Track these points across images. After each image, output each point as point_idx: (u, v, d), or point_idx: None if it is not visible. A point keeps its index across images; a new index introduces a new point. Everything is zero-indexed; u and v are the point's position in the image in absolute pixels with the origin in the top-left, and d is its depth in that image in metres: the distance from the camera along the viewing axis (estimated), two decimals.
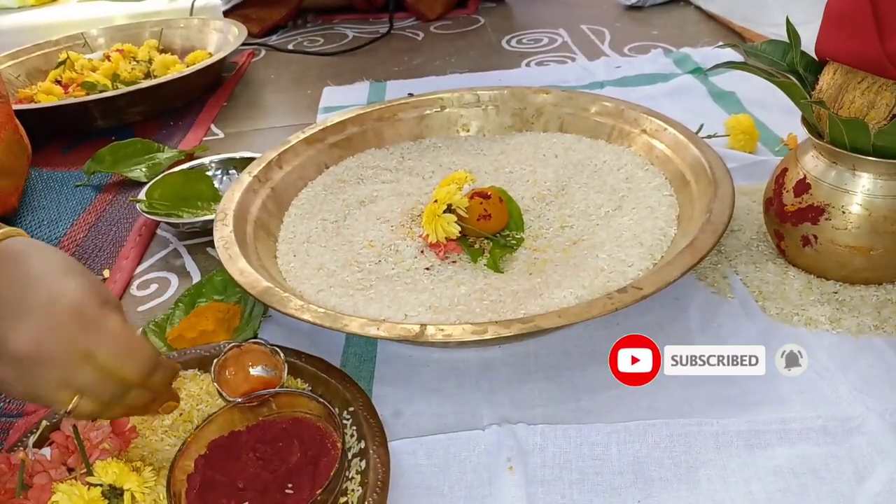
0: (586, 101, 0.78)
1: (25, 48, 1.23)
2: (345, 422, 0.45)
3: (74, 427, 0.41)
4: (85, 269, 0.39)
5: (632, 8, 1.29)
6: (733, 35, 1.10)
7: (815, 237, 0.52)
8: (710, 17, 1.19)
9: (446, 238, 0.60)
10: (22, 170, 0.77)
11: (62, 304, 0.36)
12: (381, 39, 1.30)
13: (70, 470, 0.41)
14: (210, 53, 1.19)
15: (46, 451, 0.41)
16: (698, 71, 0.97)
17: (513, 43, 1.21)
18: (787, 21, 0.54)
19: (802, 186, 0.52)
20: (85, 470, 0.40)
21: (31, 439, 0.45)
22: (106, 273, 0.67)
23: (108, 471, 0.38)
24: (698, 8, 1.23)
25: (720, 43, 0.99)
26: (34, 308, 0.35)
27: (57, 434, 0.43)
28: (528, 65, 1.10)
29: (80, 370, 0.35)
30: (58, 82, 1.16)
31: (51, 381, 0.35)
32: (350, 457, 0.43)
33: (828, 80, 0.49)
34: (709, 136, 0.77)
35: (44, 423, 0.46)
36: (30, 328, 0.34)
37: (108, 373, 0.36)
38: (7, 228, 0.39)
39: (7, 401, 0.53)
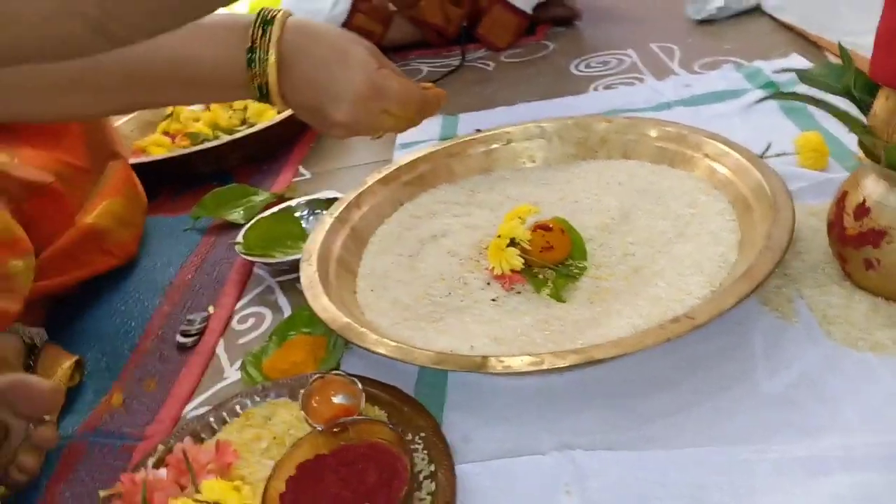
0: (648, 126, 0.79)
1: None
2: (416, 446, 0.49)
3: (184, 451, 0.48)
4: (357, 38, 0.64)
5: (703, 22, 1.28)
6: (809, 45, 1.07)
7: (878, 261, 0.51)
8: (785, 26, 1.16)
9: (511, 270, 0.64)
10: (140, 220, 0.87)
11: (359, 84, 0.61)
12: (454, 73, 1.36)
13: (182, 488, 0.47)
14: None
15: (163, 471, 0.48)
16: (770, 85, 0.96)
17: (581, 67, 1.23)
18: (840, 46, 0.54)
19: (863, 210, 0.52)
20: (194, 489, 0.46)
21: (151, 461, 0.52)
22: (211, 309, 0.75)
23: (213, 489, 0.44)
24: (773, 18, 1.21)
25: (780, 68, 0.97)
26: (344, 92, 0.61)
27: (171, 457, 0.50)
28: (596, 89, 1.12)
29: (382, 121, 0.64)
30: (166, 133, 1.29)
31: (361, 131, 0.65)
32: (421, 479, 0.47)
33: (881, 104, 0.49)
34: (777, 155, 0.76)
35: (160, 447, 0.54)
36: (345, 106, 0.61)
37: (399, 116, 0.64)
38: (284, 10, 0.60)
39: (131, 426, 0.61)
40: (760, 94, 0.94)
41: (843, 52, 0.54)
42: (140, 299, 0.77)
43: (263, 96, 0.63)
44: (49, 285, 0.71)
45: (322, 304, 0.60)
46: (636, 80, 1.12)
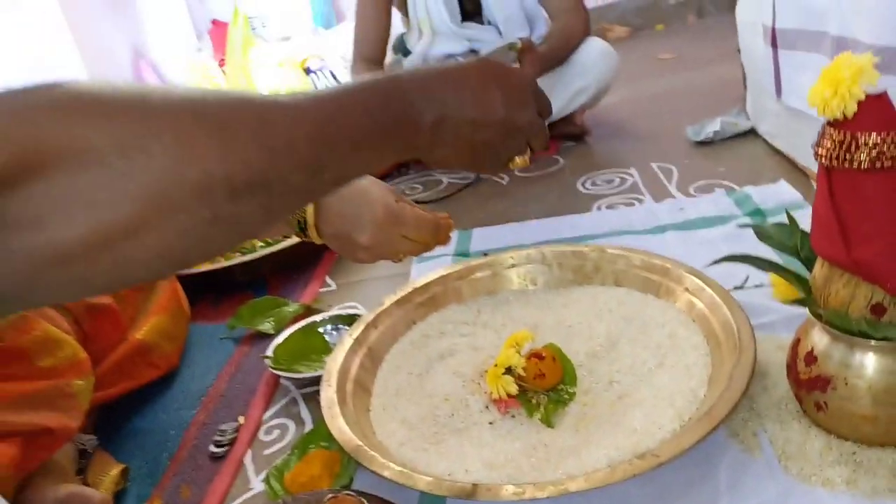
0: (636, 257, 0.88)
1: None
2: None
3: None
4: (376, 179, 0.78)
5: (701, 143, 1.39)
6: (797, 172, 1.16)
7: (826, 404, 0.58)
8: (777, 151, 1.26)
9: (507, 395, 0.71)
10: (183, 333, 0.98)
11: (380, 213, 0.75)
12: (471, 185, 1.48)
13: None
14: None
15: None
16: (757, 213, 1.04)
17: (587, 185, 1.34)
18: (787, 212, 0.63)
19: (811, 358, 0.59)
20: None
21: None
22: (241, 420, 0.84)
23: None
24: (766, 142, 1.30)
25: (756, 206, 1.05)
26: (367, 220, 0.75)
27: None
28: (598, 208, 1.22)
29: (400, 244, 0.79)
30: None
31: (384, 254, 0.79)
32: None
33: (819, 270, 0.57)
34: (756, 286, 0.84)
35: None
36: (368, 231, 0.75)
37: (415, 240, 0.79)
38: None
39: None
40: (746, 220, 1.02)
41: (790, 218, 0.63)
42: (179, 409, 0.87)
43: (301, 230, 0.76)
44: (101, 397, 0.81)
45: (338, 425, 0.68)
46: (636, 201, 1.21)
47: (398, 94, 0.45)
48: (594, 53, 1.52)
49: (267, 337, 0.99)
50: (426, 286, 0.94)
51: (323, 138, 0.38)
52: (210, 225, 0.33)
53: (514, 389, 0.71)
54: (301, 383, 0.89)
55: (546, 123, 0.61)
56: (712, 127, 1.37)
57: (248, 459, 0.78)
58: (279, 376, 0.91)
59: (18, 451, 0.63)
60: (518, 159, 0.60)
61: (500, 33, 1.65)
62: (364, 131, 0.42)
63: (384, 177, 1.66)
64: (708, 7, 2.80)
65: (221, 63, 2.51)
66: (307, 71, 2.28)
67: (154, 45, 2.82)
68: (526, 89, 0.56)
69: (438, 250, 1.16)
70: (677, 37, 2.54)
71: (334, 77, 2.28)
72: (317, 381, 0.86)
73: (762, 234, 0.65)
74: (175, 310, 0.96)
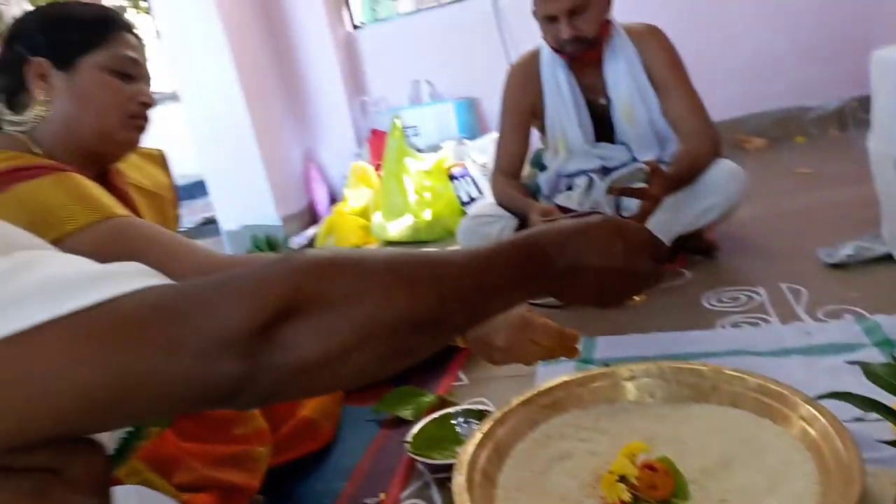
0: (753, 381, 0.92)
1: None
2: None
3: None
4: None
5: (834, 266, 1.39)
6: None
7: None
8: None
9: (620, 501, 0.78)
10: (338, 413, 1.14)
11: (513, 318, 0.91)
12: None
13: None
14: None
15: None
16: (886, 343, 1.05)
17: (712, 301, 1.39)
18: (893, 356, 0.67)
19: None
20: None
21: None
22: (382, 496, 0.97)
23: None
24: None
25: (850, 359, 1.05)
26: (502, 324, 0.91)
27: None
28: (723, 326, 1.26)
29: (530, 349, 0.95)
30: None
31: (515, 357, 0.93)
32: None
33: None
34: (876, 420, 0.85)
35: None
36: (503, 334, 0.92)
37: (543, 345, 0.94)
38: None
39: None
40: (875, 352, 1.03)
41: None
42: (331, 479, 1.01)
43: None
44: (272, 463, 0.97)
45: None
46: (761, 321, 1.24)
47: (537, 249, 0.58)
48: (723, 175, 1.58)
49: (406, 422, 1.13)
50: (550, 390, 1.03)
51: (480, 287, 0.52)
52: (395, 351, 0.46)
53: (627, 497, 0.78)
54: (434, 468, 1.01)
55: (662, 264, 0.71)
56: (846, 250, 1.38)
57: None
58: (416, 460, 1.04)
59: (216, 502, 0.80)
60: (636, 297, 0.71)
61: (630, 152, 1.77)
62: (511, 280, 0.55)
63: None
64: (850, 120, 2.76)
65: (377, 168, 2.83)
66: (451, 177, 2.51)
67: (321, 149, 3.24)
68: (643, 241, 0.67)
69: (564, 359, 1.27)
70: (817, 150, 2.51)
71: (475, 184, 2.49)
72: (448, 468, 0.98)
73: (869, 373, 0.70)
74: (335, 395, 1.13)
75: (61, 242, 0.80)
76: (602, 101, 1.76)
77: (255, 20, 2.96)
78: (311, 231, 2.90)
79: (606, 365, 1.09)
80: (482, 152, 2.60)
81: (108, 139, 1.00)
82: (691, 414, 0.96)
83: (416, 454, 1.01)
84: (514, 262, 0.56)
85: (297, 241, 2.87)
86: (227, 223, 3.02)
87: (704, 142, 1.62)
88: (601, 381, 1.05)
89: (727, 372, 0.97)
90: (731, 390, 0.95)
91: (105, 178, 1.09)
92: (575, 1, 1.53)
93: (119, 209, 0.89)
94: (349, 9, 3.19)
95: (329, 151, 3.24)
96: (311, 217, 3.14)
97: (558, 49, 1.64)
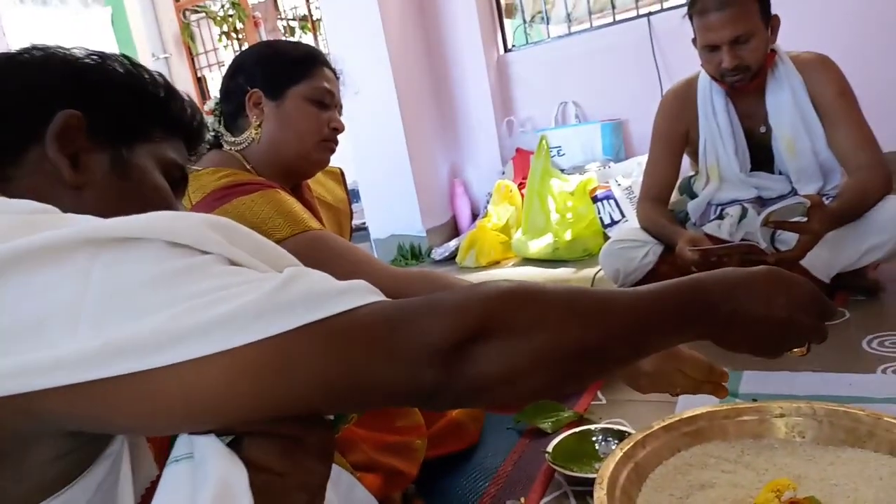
0: None
1: None
2: None
3: None
4: None
5: None
6: None
7: None
8: None
9: None
10: (482, 416, 1.23)
11: None
12: None
13: None
14: None
15: None
16: None
17: (874, 344, 1.32)
18: None
19: None
20: None
21: None
22: (522, 500, 1.04)
23: None
24: None
25: None
26: None
27: None
28: (883, 371, 1.20)
29: (676, 378, 0.98)
30: None
31: (661, 385, 0.99)
32: None
33: None
34: None
35: None
36: (652, 363, 0.94)
37: (689, 376, 0.98)
38: None
39: None
40: None
41: None
42: (476, 479, 1.09)
43: None
44: (425, 455, 1.08)
45: None
46: None
47: (702, 294, 0.61)
48: (892, 211, 1.50)
49: (544, 434, 1.19)
50: (693, 418, 1.05)
51: (644, 327, 0.56)
52: (566, 377, 0.51)
53: None
54: (572, 480, 1.06)
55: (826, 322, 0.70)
56: None
57: None
58: (555, 470, 1.09)
59: (381, 482, 0.91)
60: (796, 350, 0.71)
61: (790, 183, 1.71)
62: (674, 322, 0.58)
63: None
64: None
65: (521, 186, 2.91)
66: (594, 199, 2.54)
67: (467, 166, 3.39)
68: (809, 296, 0.67)
69: None
70: None
71: (618, 206, 2.50)
72: (585, 481, 1.03)
73: None
74: (510, 406, 1.22)
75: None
76: (761, 129, 1.72)
77: (416, 43, 3.17)
78: (452, 243, 3.04)
79: (754, 400, 1.08)
80: (627, 175, 2.59)
81: (305, 159, 1.16)
82: (845, 458, 0.93)
83: (556, 464, 1.07)
84: (678, 306, 0.58)
85: (439, 251, 3.01)
86: (376, 231, 3.24)
87: (875, 177, 1.54)
88: (748, 416, 1.05)
89: (887, 419, 0.94)
90: (891, 438, 0.92)
91: (297, 191, 1.26)
92: (738, 30, 1.52)
93: (314, 223, 1.04)
94: (503, 32, 3.32)
95: (474, 168, 3.37)
96: (454, 230, 3.29)
97: (719, 78, 1.64)
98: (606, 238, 2.55)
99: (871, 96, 1.74)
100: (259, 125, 1.15)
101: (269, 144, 1.15)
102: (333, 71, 1.22)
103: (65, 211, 0.49)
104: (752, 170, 1.76)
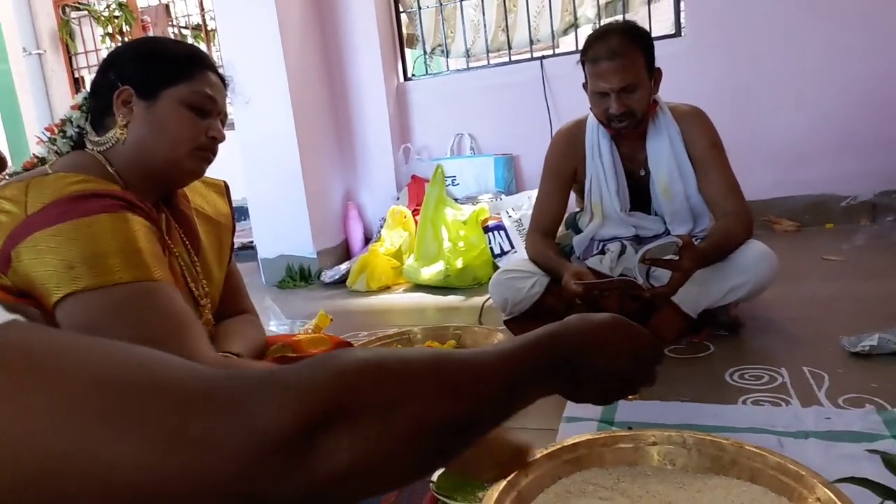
0: (773, 459, 0.96)
1: (374, 339, 1.80)
2: None
3: None
4: None
5: (857, 355, 1.42)
6: None
7: None
8: None
9: None
10: None
11: None
12: None
13: None
14: None
15: None
16: None
17: (735, 377, 1.42)
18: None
19: None
20: None
21: None
22: None
23: None
24: None
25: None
26: None
27: None
28: (744, 402, 1.30)
29: (484, 464, 0.85)
30: None
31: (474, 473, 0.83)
32: None
33: None
34: None
35: None
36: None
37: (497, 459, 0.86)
38: None
39: None
40: (891, 443, 1.06)
41: None
42: None
43: None
44: None
45: None
46: (782, 402, 1.28)
47: (559, 350, 0.61)
48: (753, 255, 1.63)
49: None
50: (574, 446, 1.07)
51: (512, 389, 0.54)
52: (435, 454, 0.47)
53: None
54: None
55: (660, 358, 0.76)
56: (870, 341, 1.41)
57: None
58: (439, 499, 1.08)
59: None
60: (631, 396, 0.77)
61: (664, 224, 1.84)
62: (536, 379, 0.58)
63: None
64: (881, 213, 2.80)
65: (415, 212, 2.92)
66: (485, 229, 2.59)
67: (362, 190, 3.36)
68: (649, 344, 0.72)
69: (588, 412, 1.31)
70: (846, 239, 2.56)
71: (508, 237, 2.57)
72: None
73: (889, 462, 0.74)
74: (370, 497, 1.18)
75: (97, 289, 0.89)
76: (641, 172, 1.84)
77: (315, 60, 3.12)
78: (343, 266, 2.98)
79: (629, 428, 1.13)
80: (517, 208, 2.68)
81: (176, 167, 1.08)
82: (711, 485, 0.99)
83: (440, 494, 1.05)
84: (539, 363, 0.58)
85: (330, 274, 2.95)
86: (264, 251, 3.12)
87: (738, 222, 1.68)
88: (625, 444, 1.09)
89: (748, 448, 1.00)
90: (751, 465, 0.98)
91: (170, 200, 1.18)
92: (626, 80, 1.62)
93: (158, 272, 0.95)
94: (404, 61, 3.35)
95: (369, 192, 3.35)
96: (346, 253, 3.23)
97: (606, 122, 1.73)
98: (496, 267, 2.61)
99: (738, 149, 1.91)
100: (125, 125, 1.06)
101: (136, 147, 1.06)
102: (221, 77, 1.15)
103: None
104: (631, 209, 1.87)
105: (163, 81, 1.06)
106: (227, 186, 1.37)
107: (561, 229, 1.99)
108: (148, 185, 1.08)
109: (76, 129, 1.11)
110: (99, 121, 1.08)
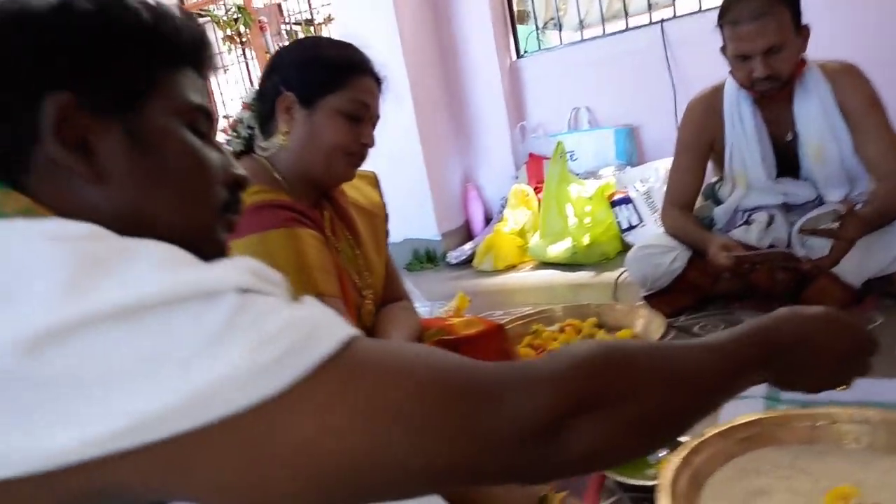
0: None
1: (515, 318, 1.83)
2: None
3: None
4: None
5: None
6: None
7: None
8: None
9: None
10: None
11: None
12: None
13: None
14: (634, 333, 1.60)
15: None
16: None
17: None
18: None
19: None
20: None
21: None
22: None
23: None
24: None
25: None
26: None
27: None
28: None
29: None
30: (530, 346, 1.70)
31: None
32: None
33: None
34: None
35: None
36: None
37: None
38: None
39: None
40: None
41: None
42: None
43: None
44: None
45: None
46: None
47: (774, 339, 0.59)
48: None
49: None
50: (746, 425, 1.06)
51: (726, 381, 0.54)
52: (652, 443, 0.49)
53: None
54: (626, 487, 1.07)
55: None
56: None
57: None
58: (608, 477, 1.10)
59: None
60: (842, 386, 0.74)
61: (816, 189, 1.73)
62: (751, 370, 0.57)
63: (685, 309, 1.81)
64: None
65: (536, 190, 2.93)
66: (612, 204, 2.56)
67: (480, 171, 3.40)
68: (865, 336, 0.69)
69: (749, 391, 1.27)
70: None
71: (637, 211, 2.51)
72: (640, 489, 1.04)
73: None
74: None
75: None
76: (788, 136, 1.74)
77: (430, 48, 3.18)
78: (467, 247, 3.04)
79: (803, 406, 1.10)
80: (644, 180, 2.61)
81: (330, 173, 1.14)
82: None
83: (610, 471, 1.08)
84: (752, 358, 0.57)
85: (455, 255, 3.02)
86: (390, 235, 3.23)
87: None
88: (800, 422, 1.06)
89: None
90: None
91: (329, 198, 1.25)
92: (771, 41, 1.54)
93: (326, 286, 1.02)
94: (515, 38, 3.33)
95: (487, 173, 3.38)
96: (467, 234, 3.29)
97: (749, 87, 1.65)
98: (623, 242, 2.58)
99: None
100: (287, 132, 1.12)
101: (296, 155, 1.12)
102: (377, 78, 1.19)
103: (99, 210, 0.45)
104: (777, 176, 1.78)
105: (321, 90, 1.10)
106: (377, 177, 1.44)
107: (699, 201, 1.93)
108: (308, 188, 1.15)
109: (248, 130, 1.19)
110: (265, 123, 1.15)
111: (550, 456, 0.42)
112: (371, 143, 1.18)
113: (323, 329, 0.39)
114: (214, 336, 0.36)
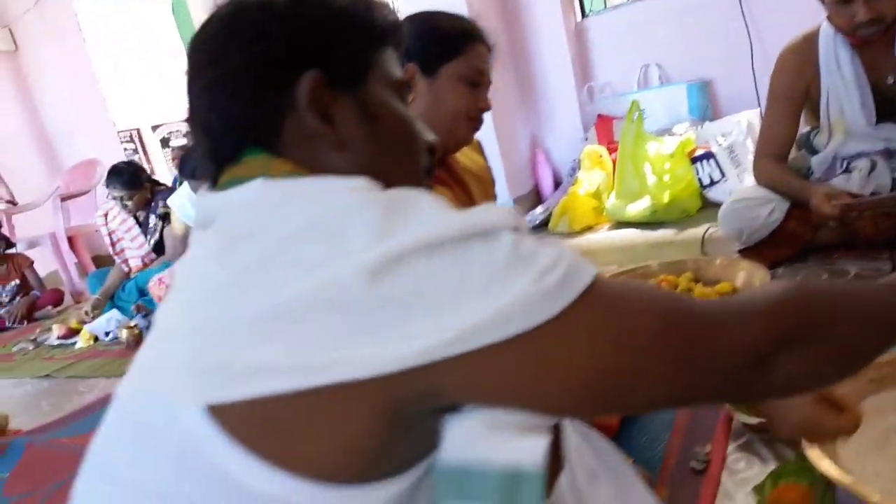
0: None
1: (611, 275, 1.86)
2: None
3: None
4: None
5: None
6: None
7: None
8: None
9: None
10: None
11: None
12: (882, 278, 1.54)
13: None
14: (734, 287, 1.61)
15: None
16: None
17: None
18: None
19: None
20: None
21: None
22: (708, 447, 1.08)
23: None
24: None
25: None
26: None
27: None
28: None
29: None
30: None
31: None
32: None
33: None
34: None
35: None
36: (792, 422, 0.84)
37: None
38: None
39: None
40: None
41: None
42: (657, 430, 1.14)
43: None
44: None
45: (825, 465, 0.88)
46: None
47: None
48: None
49: None
50: (878, 365, 1.07)
51: None
52: (853, 369, 0.53)
53: None
54: (753, 428, 1.10)
55: None
56: None
57: (724, 477, 1.01)
58: (732, 419, 1.13)
59: None
60: None
61: None
62: None
63: (783, 260, 1.80)
64: None
65: (610, 151, 2.91)
66: (693, 160, 2.53)
67: (548, 135, 3.39)
68: None
69: None
70: None
71: (719, 166, 2.48)
72: (765, 428, 1.07)
73: None
74: None
75: None
76: (889, 80, 1.69)
77: (494, 12, 3.16)
78: (538, 211, 3.06)
79: None
80: (726, 135, 2.57)
81: (453, 137, 1.19)
82: None
83: (740, 413, 1.11)
84: None
85: (529, 219, 3.04)
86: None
87: None
88: None
89: None
90: None
91: (446, 165, 1.30)
92: None
93: None
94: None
95: (555, 136, 3.37)
96: (537, 198, 3.31)
97: (850, 32, 1.61)
98: (704, 198, 2.55)
99: None
100: (412, 101, 1.18)
101: (421, 120, 1.18)
102: (488, 46, 1.23)
103: (341, 173, 0.50)
104: (877, 122, 1.74)
105: (441, 58, 1.16)
106: (480, 143, 1.48)
107: (792, 151, 1.90)
108: None
109: None
110: None
111: (756, 383, 0.47)
112: (488, 107, 1.22)
113: (580, 263, 0.45)
114: (504, 265, 0.42)
